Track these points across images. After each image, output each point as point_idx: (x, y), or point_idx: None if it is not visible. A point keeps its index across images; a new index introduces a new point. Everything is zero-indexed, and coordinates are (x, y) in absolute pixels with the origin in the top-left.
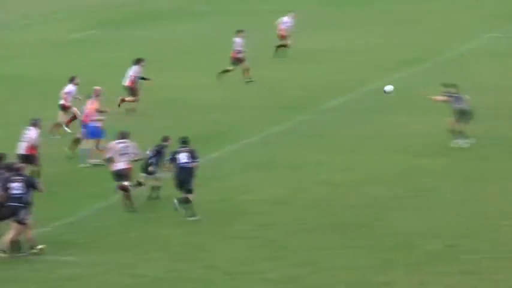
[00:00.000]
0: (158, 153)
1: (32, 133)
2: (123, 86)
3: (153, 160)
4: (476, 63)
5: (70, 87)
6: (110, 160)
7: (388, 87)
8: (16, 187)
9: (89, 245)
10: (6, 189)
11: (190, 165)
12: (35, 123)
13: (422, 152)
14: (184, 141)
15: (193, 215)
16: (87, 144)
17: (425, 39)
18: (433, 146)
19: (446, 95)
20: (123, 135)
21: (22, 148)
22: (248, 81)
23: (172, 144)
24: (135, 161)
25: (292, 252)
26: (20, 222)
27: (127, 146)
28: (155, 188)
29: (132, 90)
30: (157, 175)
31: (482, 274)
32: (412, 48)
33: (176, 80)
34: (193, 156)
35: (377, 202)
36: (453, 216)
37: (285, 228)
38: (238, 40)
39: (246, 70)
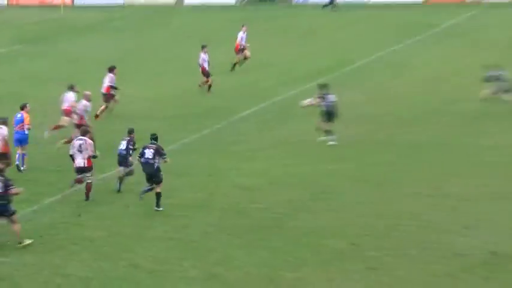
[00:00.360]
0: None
1: (3, 131)
2: (101, 92)
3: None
4: (377, 74)
5: (70, 94)
6: (72, 157)
7: None
8: None
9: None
10: None
11: (152, 161)
12: (4, 121)
13: (328, 158)
14: (152, 138)
15: (159, 206)
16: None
17: (333, 52)
18: (338, 151)
19: (317, 97)
20: (83, 133)
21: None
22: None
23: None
24: (93, 157)
25: (210, 252)
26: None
27: (84, 143)
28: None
29: (107, 97)
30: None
31: (385, 270)
32: (320, 60)
33: (99, 91)
34: (159, 153)
35: (288, 204)
36: (357, 217)
37: (204, 229)
38: (203, 55)
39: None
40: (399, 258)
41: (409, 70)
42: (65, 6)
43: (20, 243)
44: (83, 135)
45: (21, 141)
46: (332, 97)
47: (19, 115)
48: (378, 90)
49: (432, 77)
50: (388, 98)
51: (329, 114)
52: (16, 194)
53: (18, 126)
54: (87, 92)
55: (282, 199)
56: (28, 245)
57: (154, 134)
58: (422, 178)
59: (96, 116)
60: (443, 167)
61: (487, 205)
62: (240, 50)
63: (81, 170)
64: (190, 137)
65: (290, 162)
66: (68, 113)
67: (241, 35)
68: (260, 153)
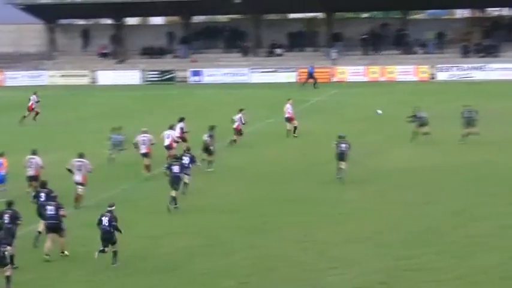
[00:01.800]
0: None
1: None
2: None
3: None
4: (257, 142)
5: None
6: (70, 171)
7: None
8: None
9: None
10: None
11: (179, 174)
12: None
13: (220, 209)
14: (176, 158)
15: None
16: None
17: (222, 125)
18: (227, 204)
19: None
20: (80, 155)
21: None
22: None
23: None
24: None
25: None
26: None
27: (82, 164)
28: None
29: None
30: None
31: None
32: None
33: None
34: (182, 167)
35: (185, 250)
36: (243, 259)
37: (115, 273)
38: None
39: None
40: None
41: (282, 139)
42: None
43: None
44: (80, 157)
45: None
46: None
47: None
48: (258, 155)
49: (302, 144)
50: (266, 162)
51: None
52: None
53: None
54: None
55: (180, 245)
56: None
57: (177, 156)
58: (295, 227)
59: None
60: (313, 217)
61: (348, 248)
62: (289, 119)
63: (77, 183)
64: (102, 195)
65: (183, 216)
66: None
67: (288, 107)
68: (157, 208)
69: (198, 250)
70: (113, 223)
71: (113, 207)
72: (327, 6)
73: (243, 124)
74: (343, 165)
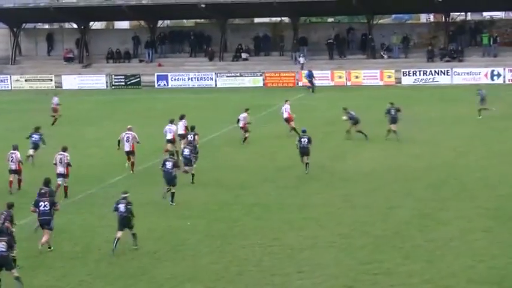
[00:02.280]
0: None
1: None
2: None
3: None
4: (223, 147)
5: None
6: (55, 164)
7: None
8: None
9: None
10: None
11: (171, 170)
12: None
13: (184, 215)
14: (171, 155)
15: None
16: None
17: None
18: (190, 210)
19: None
20: (63, 149)
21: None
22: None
23: None
24: (69, 165)
25: None
26: None
27: (64, 157)
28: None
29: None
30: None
31: None
32: None
33: None
34: (174, 165)
35: (151, 255)
36: (210, 264)
37: (81, 278)
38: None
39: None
40: None
41: (248, 143)
42: None
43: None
44: (63, 151)
45: None
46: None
47: None
48: (224, 159)
49: (268, 148)
50: (234, 166)
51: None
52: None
53: None
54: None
55: (148, 250)
56: None
57: (172, 154)
58: (263, 231)
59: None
60: (280, 222)
61: (316, 252)
62: (288, 119)
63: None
64: (67, 201)
65: (149, 220)
66: None
67: (286, 107)
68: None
69: (164, 255)
70: (129, 207)
71: (127, 194)
72: (293, 10)
73: (248, 124)
74: (306, 159)
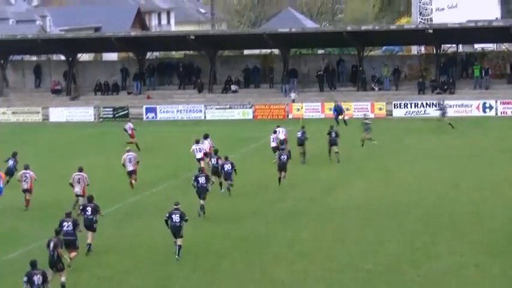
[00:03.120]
0: None
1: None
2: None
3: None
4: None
5: None
6: (71, 185)
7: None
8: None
9: None
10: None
11: (205, 185)
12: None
13: (171, 250)
14: (199, 171)
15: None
16: None
17: (168, 165)
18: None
19: None
20: (80, 169)
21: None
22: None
23: None
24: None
25: None
26: None
27: (81, 177)
28: None
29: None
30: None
31: None
32: (159, 170)
33: None
34: (207, 180)
35: None
36: None
37: None
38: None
39: None
40: None
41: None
42: None
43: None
44: (79, 171)
45: None
46: None
47: None
48: (212, 191)
49: (256, 181)
50: (221, 198)
51: None
52: None
53: None
54: None
55: (133, 285)
56: None
57: (201, 170)
58: (252, 266)
59: None
60: (270, 256)
61: (306, 287)
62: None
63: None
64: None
65: (141, 253)
66: None
67: (282, 131)
68: (113, 245)
69: None
70: (185, 217)
71: (179, 205)
72: (283, 42)
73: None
74: (283, 174)
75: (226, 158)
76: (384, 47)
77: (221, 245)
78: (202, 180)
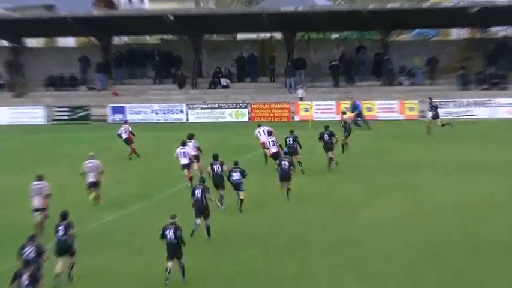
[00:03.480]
0: None
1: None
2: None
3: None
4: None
5: None
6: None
7: None
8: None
9: None
10: None
11: (201, 198)
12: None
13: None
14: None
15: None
16: None
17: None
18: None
19: None
20: (39, 177)
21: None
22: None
23: None
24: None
25: None
26: None
27: (42, 186)
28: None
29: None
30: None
31: None
32: (130, 186)
33: None
34: (203, 192)
35: None
36: None
37: None
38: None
39: None
40: None
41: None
42: None
43: None
44: (39, 180)
45: None
46: None
47: None
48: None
49: (254, 202)
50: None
51: None
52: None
53: None
54: None
55: None
56: None
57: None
58: None
59: None
60: None
61: None
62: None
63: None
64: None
65: None
66: None
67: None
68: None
69: None
70: (178, 233)
71: (176, 219)
72: (286, 24)
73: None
74: (287, 185)
75: (235, 164)
76: (416, 31)
77: (213, 280)
78: (198, 192)
